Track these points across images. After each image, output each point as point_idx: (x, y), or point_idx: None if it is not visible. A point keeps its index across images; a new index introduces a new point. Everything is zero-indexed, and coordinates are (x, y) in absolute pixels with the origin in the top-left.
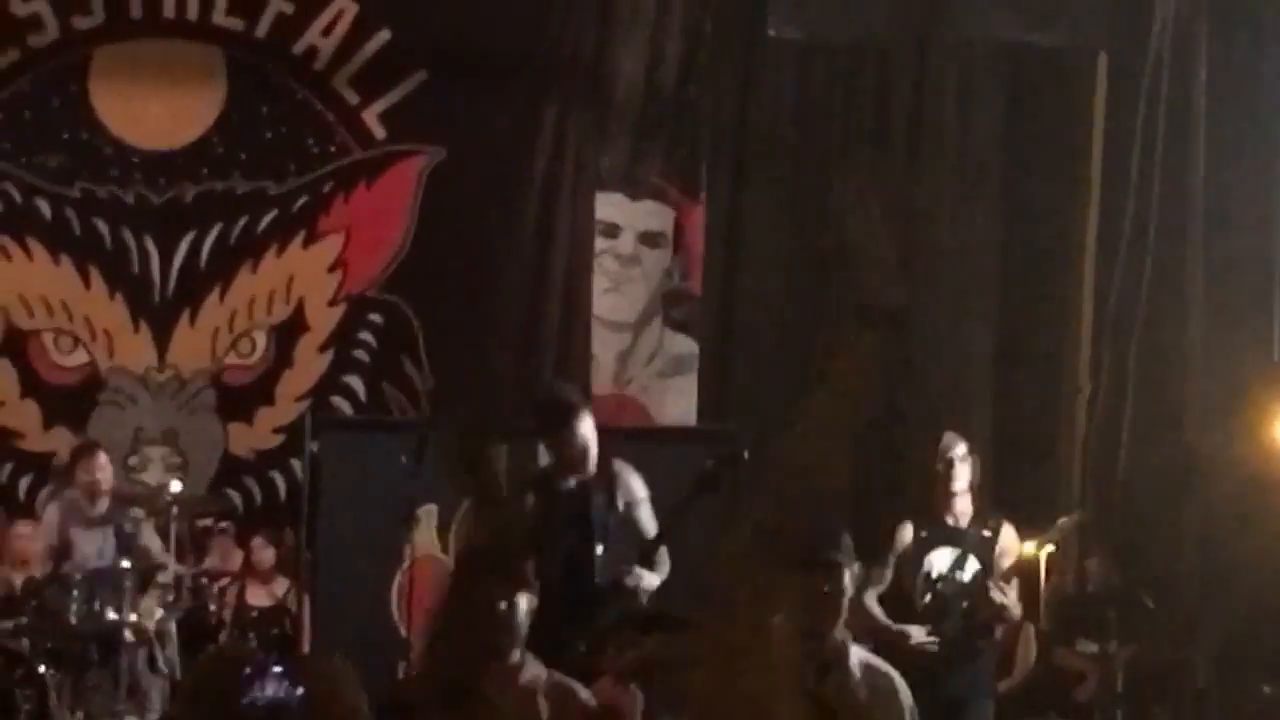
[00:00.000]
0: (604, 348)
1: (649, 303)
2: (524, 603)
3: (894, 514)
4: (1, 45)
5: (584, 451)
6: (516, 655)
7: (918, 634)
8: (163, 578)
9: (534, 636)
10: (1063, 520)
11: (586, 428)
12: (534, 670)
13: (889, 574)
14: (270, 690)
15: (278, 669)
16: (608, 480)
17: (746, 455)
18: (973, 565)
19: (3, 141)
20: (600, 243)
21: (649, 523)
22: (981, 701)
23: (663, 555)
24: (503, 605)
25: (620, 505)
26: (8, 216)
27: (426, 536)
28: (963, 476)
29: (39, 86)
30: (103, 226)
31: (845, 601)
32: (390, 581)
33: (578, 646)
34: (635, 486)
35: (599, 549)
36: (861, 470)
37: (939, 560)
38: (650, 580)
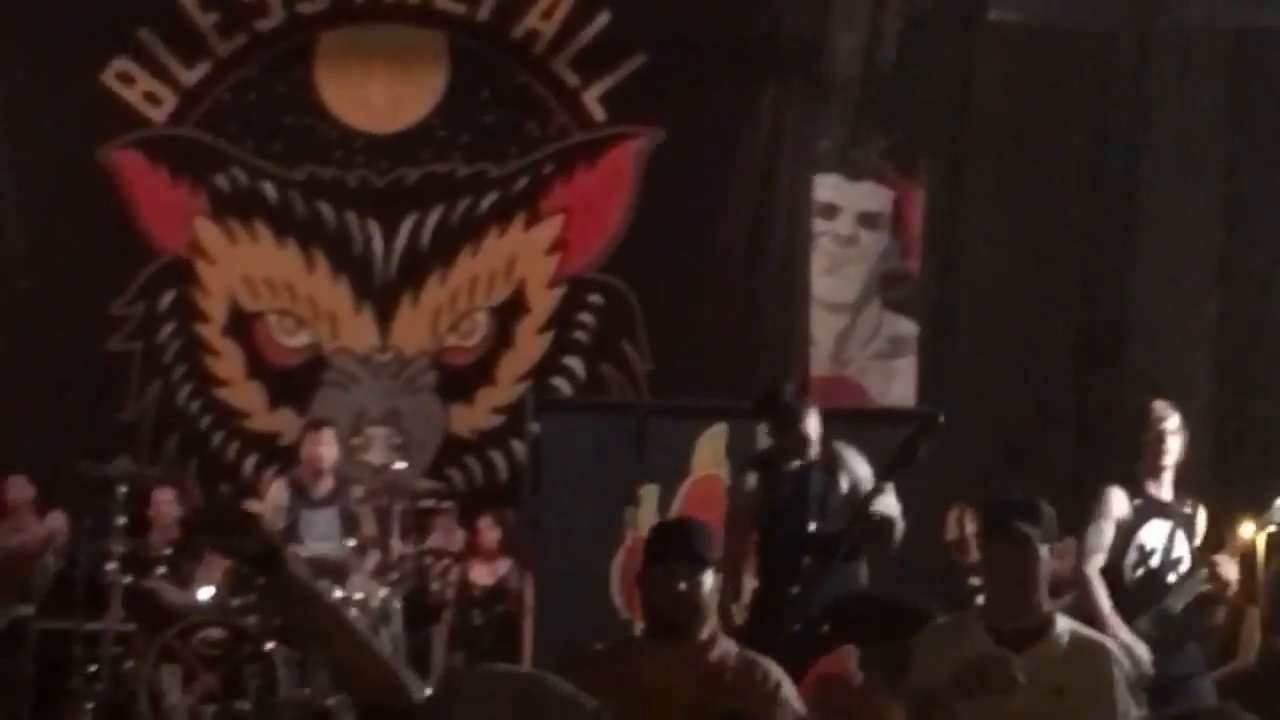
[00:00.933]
0: (822, 329)
1: (867, 284)
2: (708, 582)
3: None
4: (228, 30)
5: (806, 442)
6: (705, 633)
7: (1127, 636)
8: (386, 558)
9: (754, 617)
10: None
11: (810, 425)
12: (724, 648)
13: (1107, 539)
14: None
15: None
16: (829, 462)
17: (942, 420)
18: (1182, 542)
19: (229, 125)
20: (818, 224)
21: (885, 506)
22: (1200, 681)
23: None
24: (683, 585)
25: (844, 487)
26: (234, 199)
27: (648, 517)
28: (1174, 449)
29: (265, 71)
30: (326, 209)
31: (1041, 570)
32: (611, 562)
33: (794, 626)
34: (859, 469)
35: (814, 527)
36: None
37: (1151, 534)
38: (893, 507)
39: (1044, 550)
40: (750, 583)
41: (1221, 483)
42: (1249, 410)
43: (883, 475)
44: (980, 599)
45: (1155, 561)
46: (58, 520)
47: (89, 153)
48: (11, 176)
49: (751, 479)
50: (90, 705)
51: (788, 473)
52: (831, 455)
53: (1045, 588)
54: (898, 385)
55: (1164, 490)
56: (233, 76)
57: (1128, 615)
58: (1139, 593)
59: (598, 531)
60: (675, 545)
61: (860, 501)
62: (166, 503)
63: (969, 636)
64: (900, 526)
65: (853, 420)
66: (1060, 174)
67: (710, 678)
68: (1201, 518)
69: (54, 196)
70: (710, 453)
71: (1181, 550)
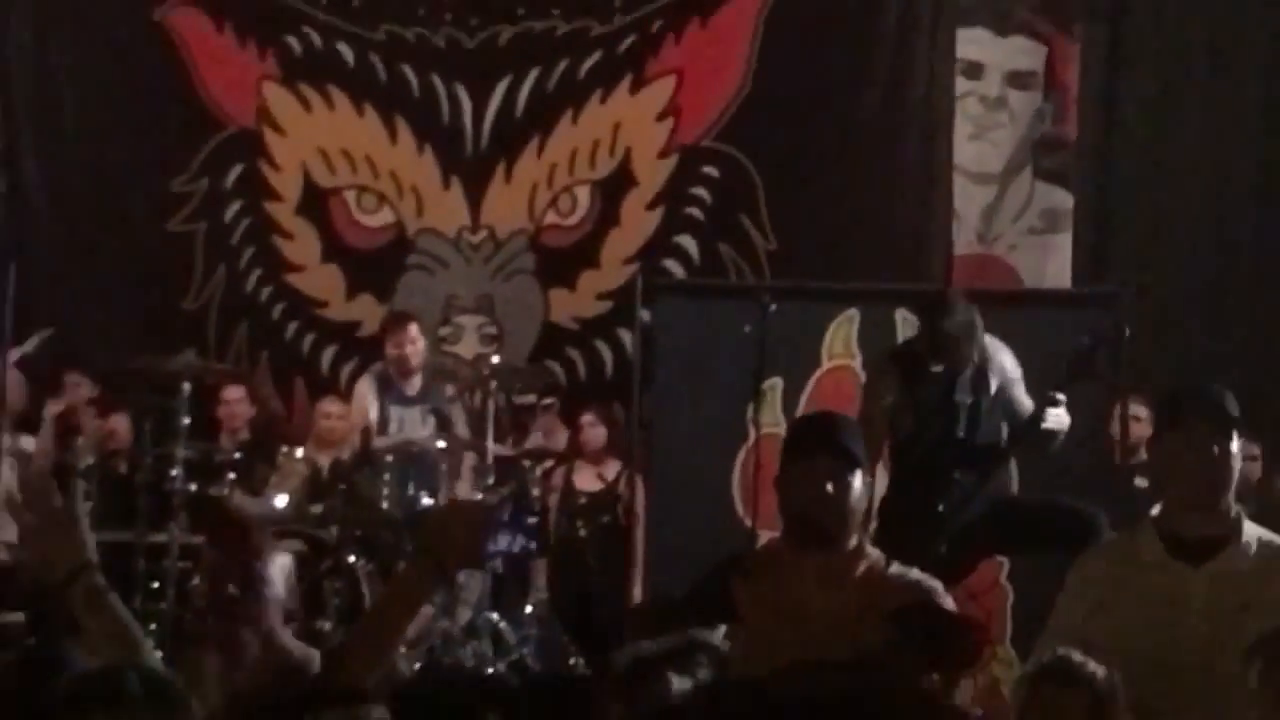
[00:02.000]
0: (967, 202)
1: (1017, 151)
2: (858, 483)
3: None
4: None
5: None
6: (852, 541)
7: None
8: (481, 460)
9: (887, 533)
10: None
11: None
12: (872, 558)
13: None
14: (505, 543)
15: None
16: (981, 360)
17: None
18: None
19: None
20: (962, 84)
21: (1024, 401)
22: None
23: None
24: (830, 486)
25: (993, 387)
26: (307, 63)
27: (771, 413)
28: None
29: None
30: (410, 73)
31: (1232, 466)
32: (732, 463)
33: (940, 544)
34: (1008, 365)
35: (964, 435)
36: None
37: None
38: (1063, 421)
39: (1234, 444)
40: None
41: None
42: None
43: (1057, 387)
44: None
45: None
46: (120, 422)
47: (144, 12)
48: (64, 43)
49: (891, 376)
50: (154, 626)
51: (935, 371)
52: (982, 353)
53: (1233, 488)
54: (1051, 264)
55: None
56: None
57: None
58: None
59: (716, 430)
60: (820, 441)
61: (1029, 419)
62: (237, 402)
63: (1140, 550)
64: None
65: (1005, 304)
66: (1233, 23)
67: (860, 593)
68: None
69: (108, 63)
70: (841, 341)
71: None
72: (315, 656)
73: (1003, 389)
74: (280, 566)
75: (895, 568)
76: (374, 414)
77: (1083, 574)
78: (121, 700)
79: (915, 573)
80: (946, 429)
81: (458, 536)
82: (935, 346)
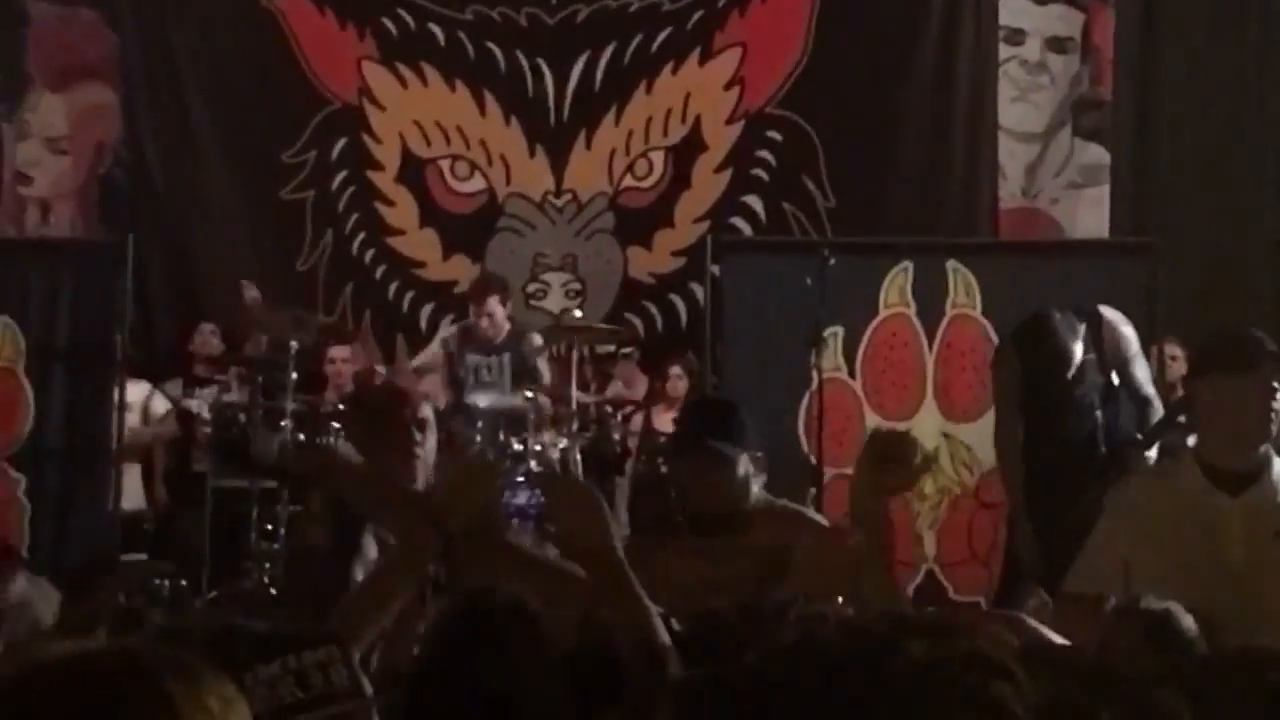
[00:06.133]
0: (1011, 159)
1: (1057, 111)
2: (740, 469)
3: None
4: None
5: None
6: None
7: None
8: (565, 407)
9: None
10: None
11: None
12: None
13: None
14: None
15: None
16: (1094, 337)
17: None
18: None
19: None
20: (1005, 50)
21: (1145, 384)
22: None
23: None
24: (714, 477)
25: (1111, 373)
26: (402, 43)
27: (832, 359)
28: None
29: None
30: (496, 50)
31: (1272, 406)
32: (797, 406)
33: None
34: (1124, 342)
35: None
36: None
37: None
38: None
39: (1277, 384)
40: None
41: None
42: None
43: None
44: (1191, 440)
45: None
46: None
47: None
48: (181, 28)
49: (1012, 357)
50: (268, 564)
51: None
52: (1115, 352)
53: (1273, 427)
54: (1090, 216)
55: None
56: None
57: None
58: None
59: (783, 376)
60: (698, 437)
61: (1164, 420)
62: (343, 360)
63: (1182, 480)
64: None
65: (1049, 253)
66: None
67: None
68: None
69: (222, 46)
70: (897, 291)
71: None
72: None
73: (1122, 366)
74: None
75: (775, 507)
76: (455, 367)
77: (1125, 500)
78: None
79: (784, 507)
80: (1087, 442)
81: (464, 495)
82: (1042, 373)
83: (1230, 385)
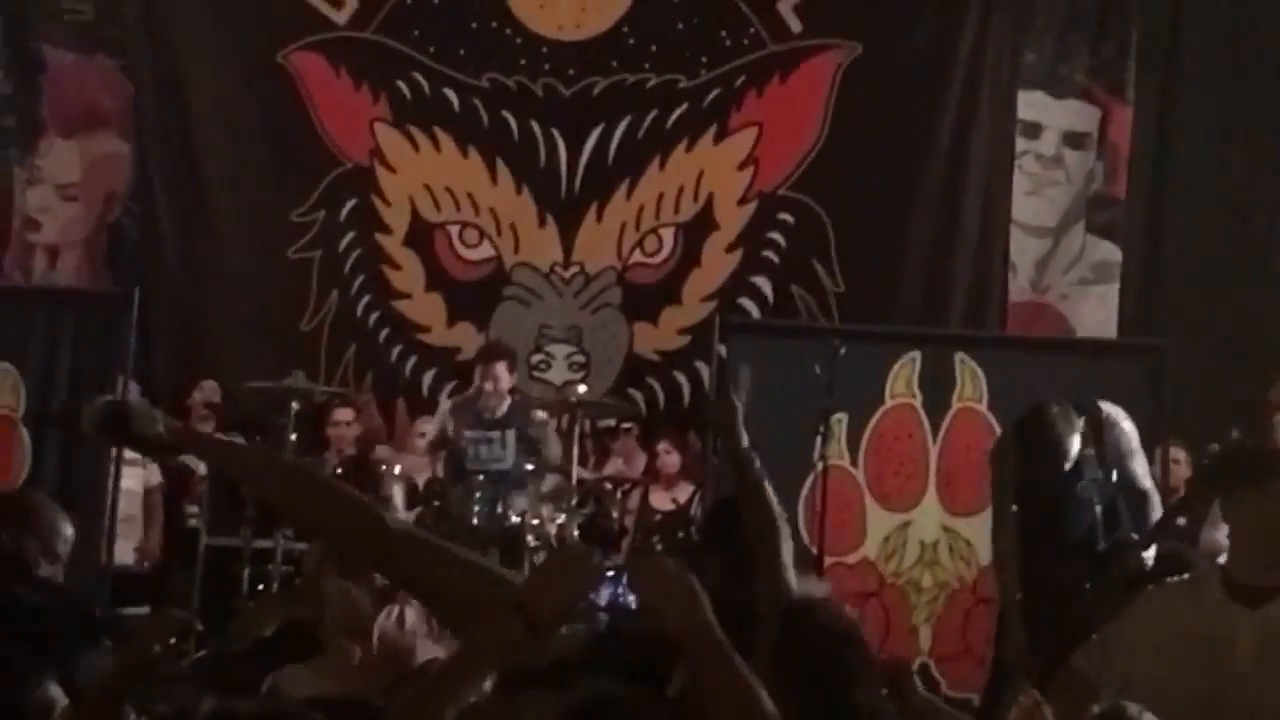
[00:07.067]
0: (1022, 253)
1: (1071, 206)
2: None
3: None
4: None
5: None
6: None
7: None
8: (565, 482)
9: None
10: None
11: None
12: None
13: None
14: (606, 594)
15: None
16: (1094, 432)
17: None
18: None
19: (411, 29)
20: (1021, 143)
21: (1144, 479)
22: None
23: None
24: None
25: (1111, 470)
26: (416, 106)
27: (836, 447)
28: None
29: None
30: (510, 118)
31: None
32: (798, 492)
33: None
34: (1124, 438)
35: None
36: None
37: None
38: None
39: None
40: None
41: None
42: None
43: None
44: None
45: None
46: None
47: (269, 55)
48: (195, 81)
49: (1010, 449)
50: None
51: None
52: (1097, 424)
53: None
54: (1099, 313)
55: None
56: None
57: None
58: None
59: (784, 460)
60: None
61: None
62: (346, 424)
63: (1202, 593)
64: None
65: (1057, 350)
66: (1278, 92)
67: None
68: None
69: (235, 102)
70: (904, 381)
71: None
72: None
73: (1121, 461)
74: None
75: None
76: (446, 432)
77: (1147, 608)
78: None
79: None
80: (1085, 537)
81: (558, 588)
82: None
83: (1268, 505)
